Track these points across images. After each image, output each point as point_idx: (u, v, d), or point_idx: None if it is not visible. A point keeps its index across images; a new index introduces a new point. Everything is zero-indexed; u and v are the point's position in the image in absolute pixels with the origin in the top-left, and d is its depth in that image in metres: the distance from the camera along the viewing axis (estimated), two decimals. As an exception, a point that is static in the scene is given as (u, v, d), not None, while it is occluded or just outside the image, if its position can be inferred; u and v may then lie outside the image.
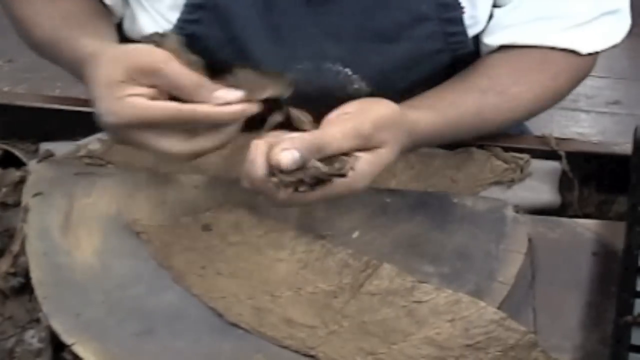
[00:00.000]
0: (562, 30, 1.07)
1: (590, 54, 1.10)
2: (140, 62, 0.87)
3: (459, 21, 1.06)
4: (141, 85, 0.87)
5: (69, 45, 1.02)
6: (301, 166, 0.84)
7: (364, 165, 0.88)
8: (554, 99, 1.12)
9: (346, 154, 0.87)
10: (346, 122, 0.89)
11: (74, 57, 1.00)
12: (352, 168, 0.87)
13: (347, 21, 1.05)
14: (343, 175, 0.86)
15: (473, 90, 1.06)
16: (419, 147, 1.03)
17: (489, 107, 1.06)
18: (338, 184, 0.87)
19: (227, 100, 0.88)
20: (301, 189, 0.85)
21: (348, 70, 1.06)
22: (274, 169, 0.84)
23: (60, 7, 1.08)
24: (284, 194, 0.85)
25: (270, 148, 0.86)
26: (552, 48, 1.08)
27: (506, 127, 1.12)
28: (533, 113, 1.11)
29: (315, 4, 1.04)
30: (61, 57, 1.05)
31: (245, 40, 1.05)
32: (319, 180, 0.85)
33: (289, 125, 0.92)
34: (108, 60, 0.89)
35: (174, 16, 1.06)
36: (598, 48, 1.10)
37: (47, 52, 1.09)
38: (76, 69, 0.98)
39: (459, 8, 1.05)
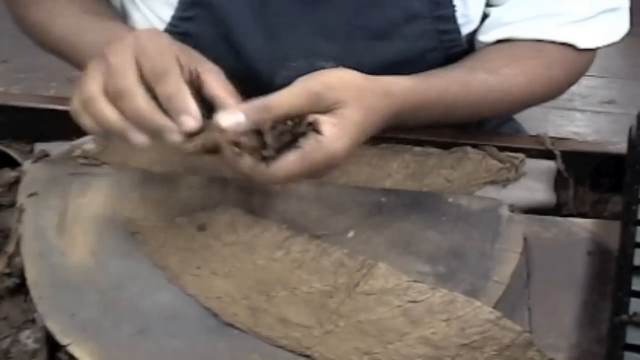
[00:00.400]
0: (560, 26, 1.07)
1: (587, 50, 1.10)
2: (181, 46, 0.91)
3: (452, 19, 1.07)
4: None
5: (95, 27, 1.03)
6: (253, 130, 0.82)
7: (330, 127, 0.85)
8: (548, 89, 1.11)
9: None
10: (293, 85, 0.87)
11: (98, 40, 0.98)
12: (317, 131, 0.84)
13: (340, 19, 1.05)
14: (303, 134, 0.84)
15: (461, 67, 1.06)
16: (407, 117, 0.98)
17: (478, 82, 1.04)
18: (313, 149, 0.84)
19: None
20: (266, 153, 0.83)
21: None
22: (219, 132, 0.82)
23: (74, 4, 1.09)
24: (247, 160, 0.83)
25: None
26: (551, 41, 1.08)
27: (503, 110, 1.11)
28: (526, 100, 1.10)
29: (309, 2, 1.04)
30: (82, 49, 1.05)
31: (238, 38, 1.05)
32: (284, 143, 0.83)
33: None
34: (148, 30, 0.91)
35: (166, 14, 1.06)
36: (596, 44, 1.10)
37: (67, 47, 1.09)
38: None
39: (451, 6, 1.05)
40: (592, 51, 1.12)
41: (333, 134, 0.85)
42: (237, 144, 0.84)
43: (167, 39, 0.88)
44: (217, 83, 0.88)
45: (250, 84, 1.07)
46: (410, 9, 1.05)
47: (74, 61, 1.10)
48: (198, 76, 0.87)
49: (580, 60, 1.12)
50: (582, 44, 1.09)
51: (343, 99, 0.87)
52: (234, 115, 0.81)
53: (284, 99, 0.84)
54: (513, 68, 1.07)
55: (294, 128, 0.84)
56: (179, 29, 1.06)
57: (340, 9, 1.05)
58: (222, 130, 0.81)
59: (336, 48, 1.06)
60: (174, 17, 1.06)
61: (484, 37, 1.10)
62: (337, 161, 0.86)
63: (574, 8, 1.07)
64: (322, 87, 0.86)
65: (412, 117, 0.99)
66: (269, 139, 0.83)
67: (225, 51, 1.06)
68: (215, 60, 1.06)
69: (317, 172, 0.86)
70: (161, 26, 1.07)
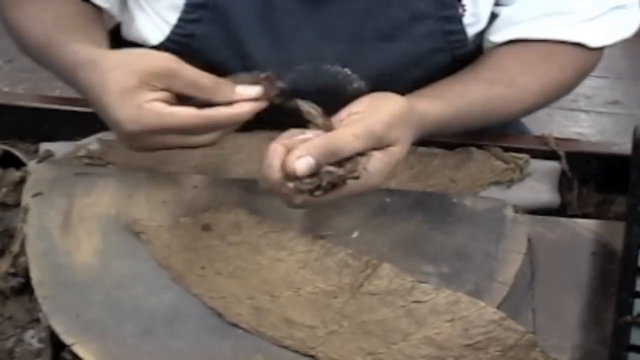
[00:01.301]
0: (571, 25, 1.08)
1: (596, 49, 1.10)
2: (154, 66, 0.87)
3: (458, 20, 1.06)
4: (156, 89, 0.86)
5: (60, 51, 0.99)
6: (316, 172, 0.84)
7: (377, 163, 0.88)
8: (561, 91, 1.12)
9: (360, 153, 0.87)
10: (358, 123, 0.89)
11: (64, 62, 0.97)
12: (365, 168, 0.87)
13: (346, 21, 1.05)
14: (356, 178, 0.86)
15: (481, 81, 1.06)
16: (426, 136, 1.01)
17: (496, 98, 1.06)
18: (352, 185, 0.86)
19: (249, 95, 0.88)
20: (316, 193, 0.85)
21: (347, 70, 1.06)
22: (289, 176, 0.84)
23: (52, 12, 1.07)
24: (300, 198, 0.85)
25: (287, 151, 0.85)
26: (560, 42, 1.08)
27: (515, 117, 1.13)
28: (541, 104, 1.11)
29: (314, 5, 1.04)
30: (52, 62, 1.03)
31: (244, 40, 1.05)
32: (334, 184, 0.85)
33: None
34: (115, 66, 0.88)
35: (172, 17, 1.06)
36: (606, 42, 1.11)
37: (39, 57, 1.07)
38: (67, 75, 0.97)
39: (457, 6, 1.05)
40: (601, 50, 1.12)
41: (376, 169, 0.88)
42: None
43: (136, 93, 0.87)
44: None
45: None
46: (415, 10, 1.05)
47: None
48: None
49: (590, 58, 1.12)
50: (593, 43, 1.09)
51: (398, 138, 0.90)
52: (306, 160, 0.84)
53: (350, 144, 0.86)
54: (528, 75, 1.08)
55: (345, 163, 0.86)
56: (184, 31, 1.06)
57: (346, 11, 1.05)
58: (294, 173, 0.84)
59: (342, 50, 1.06)
60: (180, 19, 1.06)
61: (495, 37, 1.10)
62: (370, 192, 0.90)
63: (583, 6, 1.07)
64: (385, 129, 0.89)
65: (428, 135, 1.02)
66: (322, 182, 0.85)
67: (231, 53, 1.06)
68: (221, 62, 1.07)
69: (346, 197, 0.89)
70: (167, 29, 1.07)
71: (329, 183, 0.85)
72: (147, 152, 0.92)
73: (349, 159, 0.86)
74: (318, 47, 1.06)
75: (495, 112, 1.06)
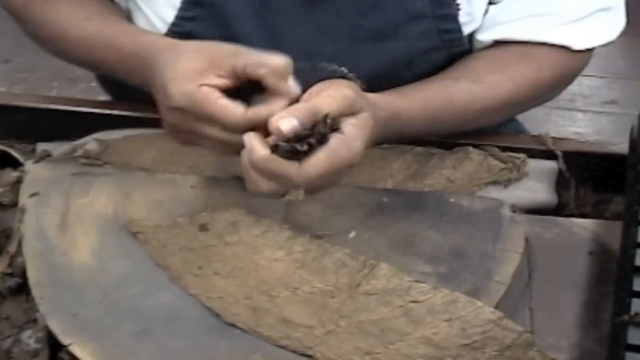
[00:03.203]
0: (554, 27, 1.07)
1: (582, 51, 1.10)
2: (225, 48, 0.93)
3: (454, 18, 1.07)
4: (221, 77, 0.90)
5: (130, 39, 1.03)
6: (299, 134, 0.84)
7: (350, 127, 0.88)
8: (540, 92, 1.11)
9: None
10: (329, 87, 0.90)
11: (137, 50, 1.01)
12: (338, 130, 0.87)
13: (343, 20, 1.05)
14: (337, 129, 0.86)
15: (444, 78, 1.06)
16: (390, 132, 1.00)
17: (461, 92, 1.05)
18: (338, 147, 0.86)
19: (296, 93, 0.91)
20: (300, 147, 0.84)
21: (344, 69, 1.06)
22: (274, 135, 0.85)
23: (88, 8, 1.09)
24: (292, 168, 0.85)
25: (264, 129, 0.87)
26: (544, 44, 1.08)
27: (491, 119, 1.11)
28: (514, 104, 1.10)
29: (311, 3, 1.04)
30: (111, 52, 1.05)
31: (240, 38, 1.05)
32: (318, 142, 0.85)
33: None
34: (192, 49, 0.93)
35: (169, 14, 1.06)
36: (591, 45, 1.10)
37: (87, 50, 1.08)
38: (134, 63, 1.00)
39: (453, 5, 1.05)
40: (587, 52, 1.11)
41: (353, 133, 0.88)
42: (274, 147, 0.86)
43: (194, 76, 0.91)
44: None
45: None
46: (412, 9, 1.05)
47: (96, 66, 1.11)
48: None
49: (573, 61, 1.11)
50: (576, 45, 1.09)
51: (365, 106, 0.90)
52: (290, 120, 0.84)
53: (329, 102, 0.87)
54: (498, 74, 1.07)
55: (322, 128, 0.86)
56: (181, 29, 1.06)
57: (343, 9, 1.05)
58: (279, 133, 0.84)
59: (338, 49, 1.06)
60: (177, 17, 1.06)
61: (481, 36, 1.11)
62: (356, 160, 0.89)
63: (568, 7, 1.07)
64: (354, 93, 0.90)
65: (395, 132, 1.01)
66: (312, 139, 0.85)
67: None
68: None
69: (341, 171, 0.88)
70: (163, 27, 1.08)
71: (312, 140, 0.85)
72: (186, 144, 0.95)
73: (327, 123, 0.86)
74: (314, 46, 1.06)
75: (459, 107, 1.05)
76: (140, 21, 1.10)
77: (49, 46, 1.14)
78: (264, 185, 0.87)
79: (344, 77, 1.05)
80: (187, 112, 0.90)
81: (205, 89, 0.89)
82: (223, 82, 0.90)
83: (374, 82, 1.04)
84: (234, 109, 0.89)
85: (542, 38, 1.07)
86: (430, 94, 1.03)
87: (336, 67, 1.06)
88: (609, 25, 1.11)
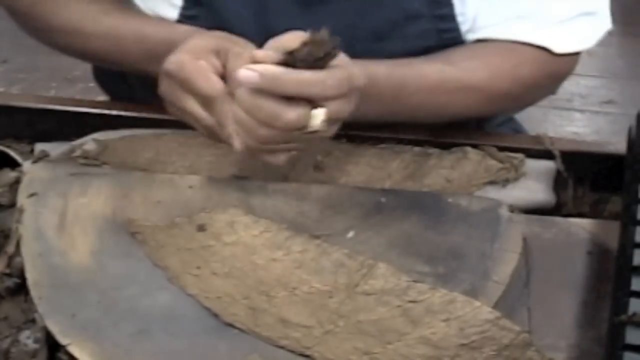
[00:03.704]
0: (537, 29, 1.07)
1: (565, 54, 1.09)
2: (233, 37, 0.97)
3: (452, 18, 1.06)
4: (220, 61, 0.93)
5: (157, 27, 1.06)
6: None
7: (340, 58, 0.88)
8: (514, 88, 1.09)
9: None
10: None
11: (164, 36, 1.03)
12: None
13: (340, 20, 1.05)
14: (334, 55, 0.86)
15: (421, 59, 1.05)
16: (368, 104, 0.98)
17: (432, 69, 1.04)
18: (341, 65, 0.87)
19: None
20: (317, 63, 0.85)
21: None
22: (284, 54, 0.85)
23: (104, 4, 1.10)
24: (315, 76, 0.85)
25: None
26: (524, 43, 1.08)
27: (466, 107, 1.09)
28: (489, 94, 1.08)
29: (308, 4, 1.04)
30: (137, 42, 1.07)
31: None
32: (328, 53, 0.85)
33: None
34: (211, 35, 0.98)
35: (171, 14, 1.07)
36: (572, 49, 1.09)
37: (109, 43, 1.09)
38: (161, 46, 1.01)
39: (450, 5, 1.05)
40: (571, 56, 1.10)
41: (346, 60, 0.89)
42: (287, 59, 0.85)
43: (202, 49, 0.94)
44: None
45: None
46: (410, 9, 1.05)
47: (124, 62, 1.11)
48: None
49: (556, 63, 1.10)
50: (557, 48, 1.08)
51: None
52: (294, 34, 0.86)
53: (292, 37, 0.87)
54: (474, 61, 1.07)
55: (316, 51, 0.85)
56: None
57: (339, 10, 1.05)
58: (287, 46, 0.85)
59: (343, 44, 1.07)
60: (180, 16, 1.06)
61: (466, 36, 1.10)
62: (357, 85, 0.89)
63: (551, 10, 1.07)
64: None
65: (363, 98, 0.97)
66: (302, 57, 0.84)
67: None
68: None
69: (350, 98, 0.88)
70: None
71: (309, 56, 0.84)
72: (174, 114, 0.98)
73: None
74: None
75: (429, 83, 1.04)
76: None
77: (62, 44, 1.14)
78: (289, 113, 0.85)
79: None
80: (173, 78, 0.93)
81: (200, 62, 0.91)
82: (218, 63, 0.92)
83: None
84: (215, 81, 0.90)
85: (524, 38, 1.07)
86: (398, 62, 1.03)
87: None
88: (593, 29, 1.10)
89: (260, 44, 1.05)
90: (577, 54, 1.11)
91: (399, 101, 1.03)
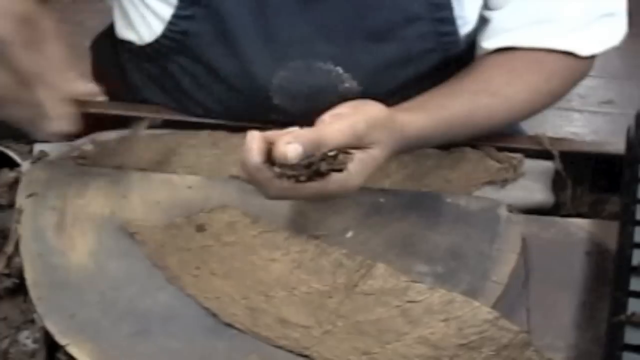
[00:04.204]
0: (561, 34, 1.07)
1: (587, 57, 1.10)
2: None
3: (451, 21, 1.06)
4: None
5: None
6: (302, 160, 0.85)
7: (357, 163, 0.89)
8: (548, 101, 1.11)
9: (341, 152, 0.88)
10: (342, 120, 0.90)
11: None
12: (345, 165, 0.87)
13: (338, 20, 1.05)
14: (340, 170, 0.87)
15: (465, 92, 1.05)
16: (409, 149, 1.02)
17: (481, 109, 1.05)
18: (332, 181, 0.87)
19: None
20: (301, 178, 0.86)
21: (339, 69, 1.06)
22: (277, 161, 0.85)
23: None
24: (280, 184, 0.86)
25: (264, 138, 0.87)
26: (550, 50, 1.08)
27: (502, 127, 1.11)
28: (527, 114, 1.11)
29: (308, 3, 1.04)
30: None
31: (236, 38, 1.05)
32: (316, 174, 0.86)
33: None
34: None
35: (166, 12, 1.06)
36: (596, 50, 1.10)
37: None
38: None
39: (450, 7, 1.05)
40: (592, 57, 1.11)
41: (356, 171, 0.89)
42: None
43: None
44: None
45: (247, 84, 1.07)
46: (409, 11, 1.05)
47: None
48: None
49: (580, 67, 1.12)
50: (582, 52, 1.09)
51: (378, 140, 0.91)
52: (295, 147, 0.84)
53: (335, 138, 0.87)
54: (515, 85, 1.07)
55: (328, 160, 0.87)
56: (178, 28, 1.06)
57: (339, 10, 1.05)
58: (285, 159, 0.84)
59: (334, 49, 1.06)
60: (173, 16, 1.06)
61: (486, 43, 1.10)
62: (348, 194, 0.90)
63: (572, 13, 1.07)
64: (367, 128, 0.90)
65: (412, 148, 1.02)
66: (307, 171, 0.86)
67: (224, 51, 1.06)
68: (215, 60, 1.07)
69: (325, 196, 0.90)
70: (160, 26, 1.07)
71: (313, 172, 0.85)
72: None
73: (333, 157, 0.87)
74: (311, 45, 1.06)
75: (479, 123, 1.06)
76: (136, 19, 1.10)
77: None
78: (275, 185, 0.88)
79: (339, 77, 1.05)
80: None
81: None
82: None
83: (369, 83, 1.04)
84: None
85: (549, 45, 1.07)
86: (453, 112, 1.03)
87: (332, 66, 1.06)
88: (613, 30, 1.11)
89: (258, 43, 1.05)
90: (595, 55, 1.12)
91: (446, 139, 1.07)
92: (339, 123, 0.89)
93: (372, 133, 0.90)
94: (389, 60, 1.08)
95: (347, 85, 1.07)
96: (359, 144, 0.89)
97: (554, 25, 1.07)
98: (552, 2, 1.07)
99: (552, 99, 1.12)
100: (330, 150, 0.87)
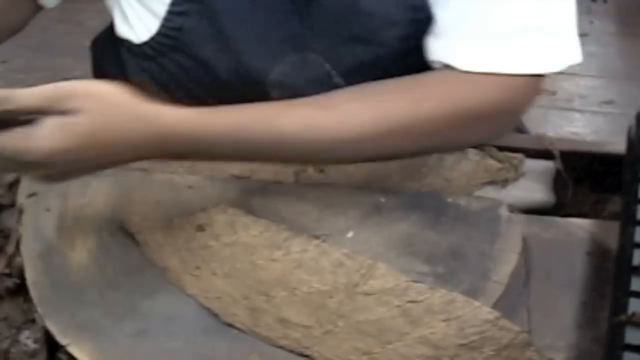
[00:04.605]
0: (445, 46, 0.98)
1: (518, 75, 0.95)
2: None
3: (429, 22, 1.06)
4: None
5: None
6: None
7: (50, 127, 0.81)
8: (419, 124, 0.94)
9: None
10: (41, 86, 0.84)
11: None
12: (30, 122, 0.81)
13: (323, 21, 1.05)
14: (18, 123, 0.81)
15: (282, 103, 0.94)
16: (187, 150, 0.90)
17: (293, 118, 0.92)
18: (14, 132, 0.80)
19: None
20: None
21: (328, 65, 1.07)
22: None
23: None
24: None
25: None
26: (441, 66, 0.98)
27: (342, 151, 0.95)
28: (386, 141, 0.94)
29: (298, 3, 1.04)
30: None
31: (230, 34, 1.06)
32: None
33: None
34: None
35: (161, 9, 1.07)
36: (490, 68, 0.95)
37: None
38: None
39: (428, 9, 1.04)
40: (522, 79, 0.95)
41: (49, 133, 0.82)
42: None
43: None
44: None
45: (244, 79, 1.07)
46: (389, 15, 1.05)
47: None
48: None
49: (473, 85, 0.96)
50: (467, 66, 0.95)
51: (79, 108, 0.83)
52: None
53: (26, 95, 0.81)
54: (360, 103, 0.94)
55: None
56: (173, 24, 1.06)
57: (323, 12, 1.05)
58: None
59: (322, 48, 1.07)
60: (168, 12, 1.06)
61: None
62: (42, 159, 0.82)
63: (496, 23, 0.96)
64: (63, 92, 0.83)
65: (199, 151, 0.91)
66: None
67: (218, 48, 1.07)
68: (209, 56, 1.07)
69: (19, 163, 0.82)
70: (155, 23, 1.08)
71: None
72: None
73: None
74: (302, 43, 1.06)
75: (290, 133, 0.92)
76: (132, 17, 1.10)
77: None
78: None
79: (328, 73, 1.05)
80: None
81: None
82: None
83: (354, 81, 1.03)
84: None
85: (434, 58, 0.99)
86: (250, 115, 0.92)
87: (322, 61, 1.06)
88: (544, 52, 0.96)
89: (252, 39, 1.06)
90: (531, 77, 0.96)
91: (252, 152, 0.94)
92: (38, 87, 0.83)
93: (70, 100, 0.83)
94: (372, 61, 1.08)
95: (335, 80, 1.07)
96: (54, 109, 0.82)
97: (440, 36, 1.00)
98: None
99: (430, 123, 0.94)
100: (23, 113, 0.81)
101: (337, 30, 1.06)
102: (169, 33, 1.07)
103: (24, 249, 0.93)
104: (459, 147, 1.04)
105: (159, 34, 1.08)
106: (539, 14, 0.95)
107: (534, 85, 0.96)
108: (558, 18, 0.97)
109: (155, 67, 1.14)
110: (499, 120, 0.98)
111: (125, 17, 1.12)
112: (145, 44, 1.10)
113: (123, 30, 1.13)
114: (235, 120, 0.91)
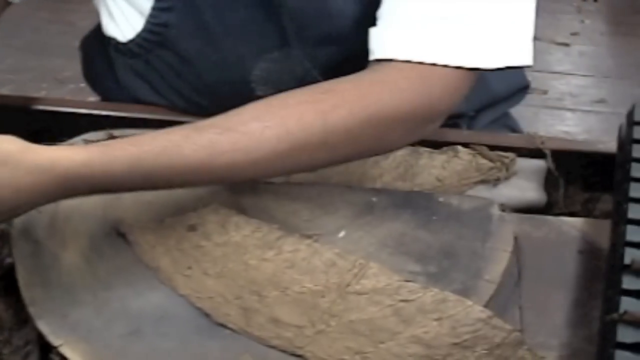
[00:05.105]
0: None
1: (432, 65, 0.92)
2: None
3: None
4: None
5: None
6: None
7: None
8: (325, 138, 0.91)
9: None
10: None
11: None
12: None
13: (293, 23, 1.06)
14: None
15: (185, 129, 0.89)
16: (94, 189, 0.87)
17: (196, 145, 0.87)
18: None
19: None
20: None
21: (307, 62, 1.08)
22: None
23: None
24: None
25: None
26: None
27: (253, 172, 0.91)
28: (289, 158, 0.91)
29: (277, 4, 1.05)
30: None
31: (214, 30, 1.07)
32: None
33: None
34: None
35: (146, 6, 1.07)
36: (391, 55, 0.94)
37: None
38: None
39: None
40: (452, 69, 0.92)
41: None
42: None
43: None
44: None
45: (228, 76, 1.08)
46: (354, 16, 1.05)
47: None
48: None
49: (400, 80, 0.93)
50: (383, 53, 0.93)
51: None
52: None
53: None
54: (266, 120, 0.89)
55: None
56: (159, 20, 1.07)
57: (292, 15, 1.06)
58: None
59: (298, 44, 1.07)
60: (153, 8, 1.07)
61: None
62: None
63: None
64: None
65: (106, 190, 0.88)
66: None
67: (203, 44, 1.08)
68: (194, 53, 1.08)
69: None
70: (140, 20, 1.08)
71: None
72: None
73: None
74: (281, 40, 1.07)
75: (193, 160, 0.87)
76: (116, 14, 1.11)
77: None
78: None
79: (308, 69, 1.06)
80: None
81: None
82: None
83: (329, 78, 1.03)
84: None
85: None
86: (149, 148, 0.86)
87: (302, 58, 1.07)
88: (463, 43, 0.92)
89: (235, 35, 1.06)
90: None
91: (166, 182, 0.90)
92: None
93: None
94: (343, 59, 1.08)
95: (316, 76, 1.08)
96: None
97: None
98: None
99: (340, 136, 0.91)
100: None
101: (308, 31, 1.07)
102: (154, 29, 1.08)
103: (15, 249, 0.92)
104: (387, 149, 1.00)
105: (144, 30, 1.08)
106: (468, 6, 0.92)
107: (455, 79, 0.93)
108: (500, 15, 0.93)
109: (142, 65, 1.14)
110: (419, 119, 0.95)
111: (111, 15, 1.12)
112: (132, 41, 1.10)
113: (110, 28, 1.13)
114: (135, 158, 0.85)
